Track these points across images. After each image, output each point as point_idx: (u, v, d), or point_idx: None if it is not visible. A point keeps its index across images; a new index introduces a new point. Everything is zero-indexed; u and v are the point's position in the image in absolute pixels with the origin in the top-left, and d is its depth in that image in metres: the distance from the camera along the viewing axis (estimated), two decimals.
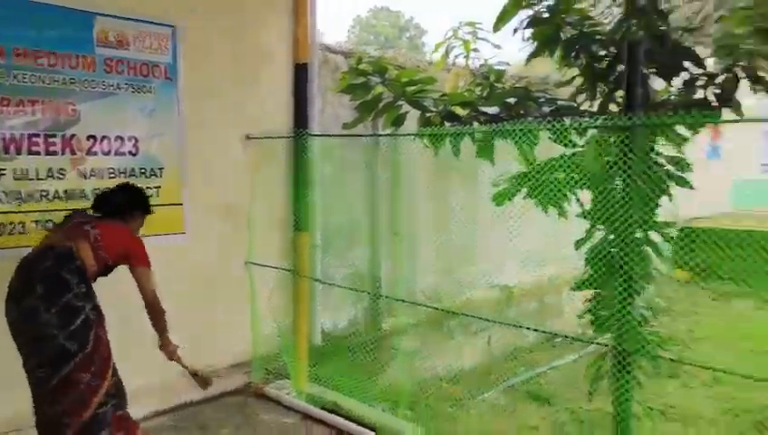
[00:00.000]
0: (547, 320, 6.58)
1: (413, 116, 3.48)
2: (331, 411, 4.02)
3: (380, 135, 4.66)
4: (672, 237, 2.87)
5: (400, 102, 3.45)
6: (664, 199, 2.81)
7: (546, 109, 3.19)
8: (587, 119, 2.92)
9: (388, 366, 4.36)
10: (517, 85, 3.51)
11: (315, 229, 4.68)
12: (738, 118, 2.83)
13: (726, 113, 2.86)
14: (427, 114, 3.40)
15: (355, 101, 3.58)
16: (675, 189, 2.83)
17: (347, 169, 5.07)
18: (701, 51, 2.95)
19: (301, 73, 4.63)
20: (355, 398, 4.05)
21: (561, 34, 3.11)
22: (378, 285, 5.18)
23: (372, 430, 3.77)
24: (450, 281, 4.86)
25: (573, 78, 3.20)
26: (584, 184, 2.87)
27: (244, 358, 4.50)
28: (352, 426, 3.83)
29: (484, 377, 5.17)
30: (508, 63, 3.57)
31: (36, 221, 3.54)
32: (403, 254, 4.71)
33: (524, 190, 3.03)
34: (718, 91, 2.86)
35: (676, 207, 2.87)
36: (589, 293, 2.99)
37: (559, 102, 3.23)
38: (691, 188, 2.81)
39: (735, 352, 5.85)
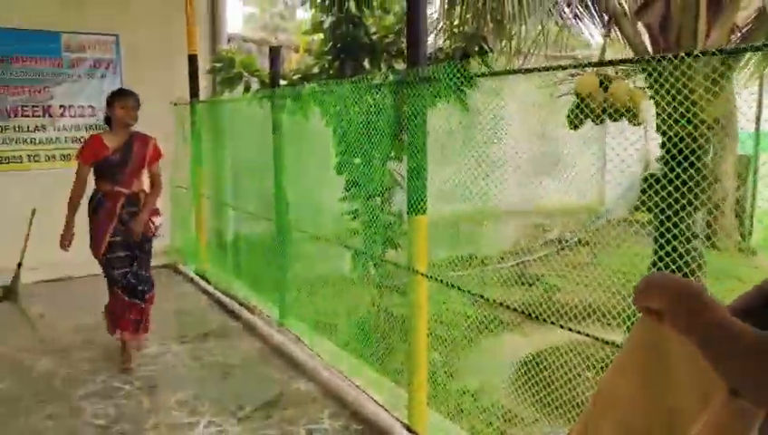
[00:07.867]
0: None
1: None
2: (219, 289, 6.43)
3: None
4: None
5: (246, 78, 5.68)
6: None
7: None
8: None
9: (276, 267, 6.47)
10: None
11: (210, 165, 6.94)
12: None
13: None
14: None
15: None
16: None
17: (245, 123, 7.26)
18: None
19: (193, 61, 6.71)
20: (233, 282, 6.39)
21: None
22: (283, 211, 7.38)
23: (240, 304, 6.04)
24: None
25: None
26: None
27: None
28: (222, 297, 6.23)
29: None
30: None
31: (29, 155, 6.04)
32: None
33: None
34: None
35: None
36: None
37: None
38: None
39: None
